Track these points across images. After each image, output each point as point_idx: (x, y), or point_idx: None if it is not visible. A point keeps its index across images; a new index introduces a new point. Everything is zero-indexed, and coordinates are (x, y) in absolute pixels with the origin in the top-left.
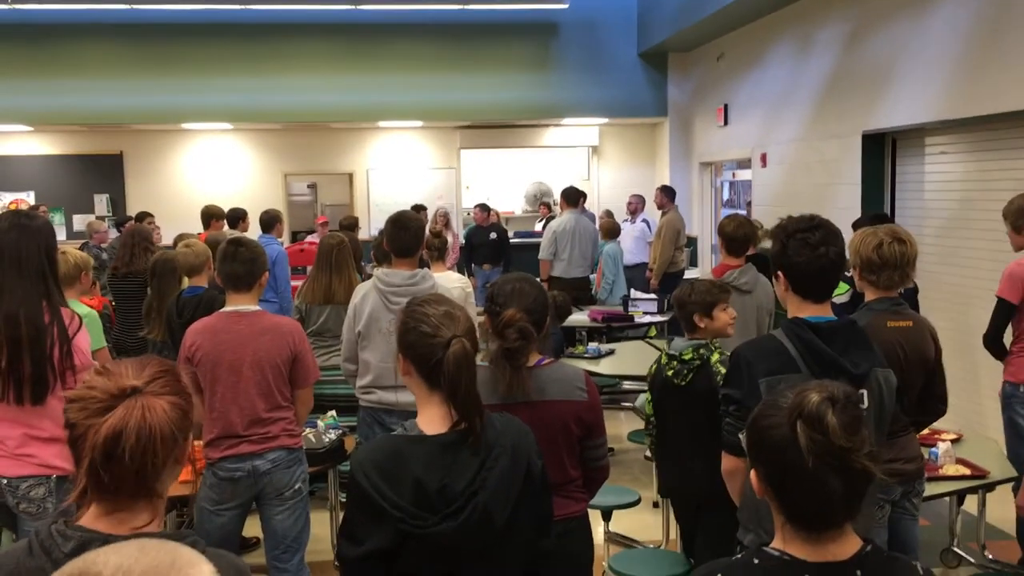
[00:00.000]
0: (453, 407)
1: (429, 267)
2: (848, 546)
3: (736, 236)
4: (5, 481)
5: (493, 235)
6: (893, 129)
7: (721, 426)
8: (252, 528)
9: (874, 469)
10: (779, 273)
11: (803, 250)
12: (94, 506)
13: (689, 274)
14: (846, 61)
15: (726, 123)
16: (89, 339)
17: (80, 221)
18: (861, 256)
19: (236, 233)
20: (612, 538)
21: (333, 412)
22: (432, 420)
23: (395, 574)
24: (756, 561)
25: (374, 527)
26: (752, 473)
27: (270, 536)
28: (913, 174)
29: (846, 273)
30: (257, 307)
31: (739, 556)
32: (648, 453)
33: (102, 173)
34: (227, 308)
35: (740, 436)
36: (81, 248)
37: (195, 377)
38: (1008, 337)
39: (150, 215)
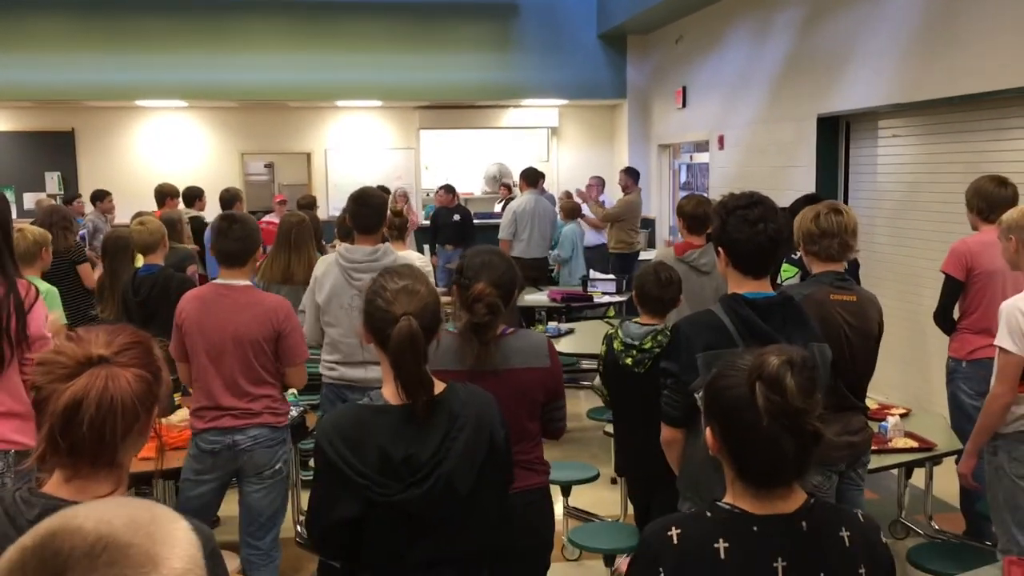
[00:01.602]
0: (398, 383)
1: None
2: (793, 501)
3: (696, 214)
4: None
5: (457, 216)
6: (847, 112)
7: (655, 403)
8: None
9: (824, 431)
10: (720, 249)
11: (742, 226)
12: (57, 473)
13: (645, 255)
14: (802, 45)
15: (684, 105)
16: (46, 311)
17: (30, 199)
18: (801, 230)
19: (192, 212)
20: (571, 513)
21: (293, 390)
22: (396, 391)
23: (363, 542)
24: (708, 514)
25: (341, 494)
26: (707, 431)
27: (245, 512)
28: (866, 157)
29: (793, 256)
30: (247, 282)
31: (693, 510)
32: (608, 429)
33: (53, 150)
34: (218, 280)
35: (698, 400)
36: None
37: (182, 345)
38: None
39: (108, 193)
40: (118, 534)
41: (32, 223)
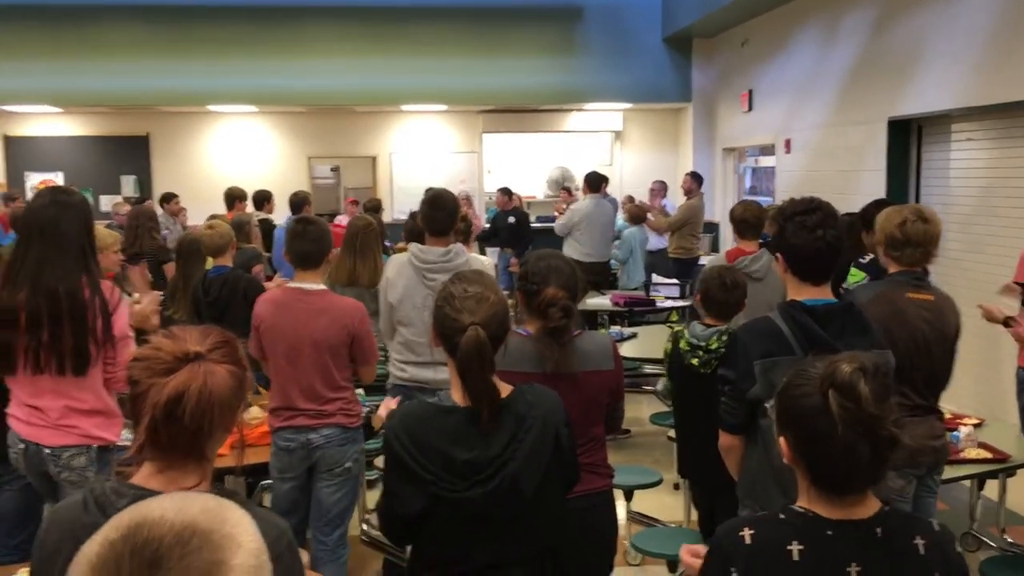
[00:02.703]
0: (464, 390)
1: None
2: (868, 507)
3: (744, 218)
4: (48, 451)
5: (511, 219)
6: (919, 115)
7: (719, 405)
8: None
9: (900, 436)
10: (778, 255)
11: (800, 232)
12: (147, 464)
13: (705, 260)
14: (872, 47)
15: (750, 109)
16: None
17: (107, 202)
18: (885, 232)
19: (261, 215)
20: (634, 517)
21: (361, 390)
22: (463, 395)
23: (428, 540)
24: (782, 516)
25: (409, 488)
26: (781, 440)
27: (315, 507)
28: (939, 161)
29: (861, 260)
30: (322, 286)
31: (765, 512)
32: (671, 434)
33: (129, 154)
34: (293, 284)
35: (768, 409)
36: (107, 228)
37: (261, 345)
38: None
39: (175, 195)
40: (199, 521)
41: (108, 225)
